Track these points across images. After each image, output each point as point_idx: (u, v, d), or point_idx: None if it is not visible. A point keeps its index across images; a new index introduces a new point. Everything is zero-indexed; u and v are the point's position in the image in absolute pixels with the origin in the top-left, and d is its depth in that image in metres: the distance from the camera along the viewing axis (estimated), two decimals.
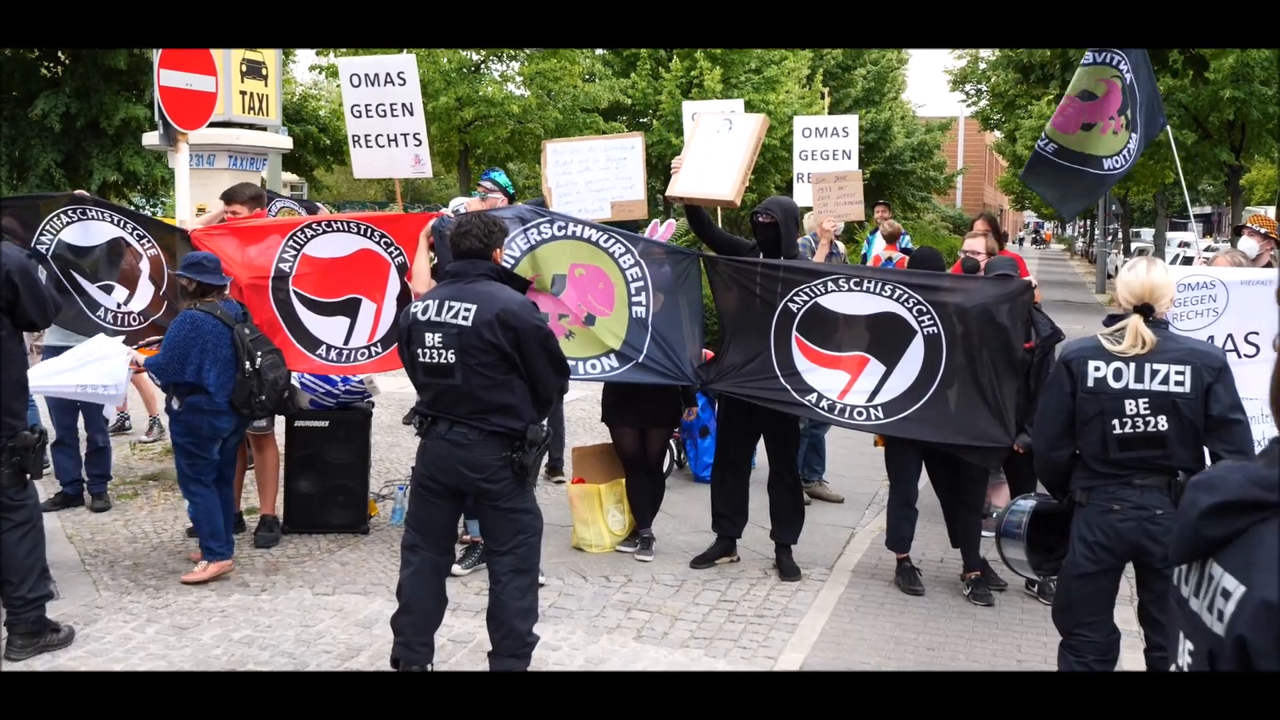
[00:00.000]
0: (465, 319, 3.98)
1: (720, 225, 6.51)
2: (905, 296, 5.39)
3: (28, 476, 4.46)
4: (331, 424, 6.27)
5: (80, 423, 6.70)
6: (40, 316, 4.51)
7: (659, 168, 19.26)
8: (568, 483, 6.64)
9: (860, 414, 5.51)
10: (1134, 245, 33.94)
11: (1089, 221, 49.70)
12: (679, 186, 5.66)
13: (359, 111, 6.24)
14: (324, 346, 5.98)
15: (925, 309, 5.36)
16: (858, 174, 7.96)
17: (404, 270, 5.91)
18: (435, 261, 5.71)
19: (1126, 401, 3.62)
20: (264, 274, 5.88)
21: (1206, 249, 20.00)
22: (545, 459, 7.17)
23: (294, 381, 6.26)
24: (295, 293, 5.93)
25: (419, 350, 4.07)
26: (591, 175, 6.33)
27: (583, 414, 9.52)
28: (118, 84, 16.44)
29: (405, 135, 6.20)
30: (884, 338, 5.47)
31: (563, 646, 4.77)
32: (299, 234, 5.91)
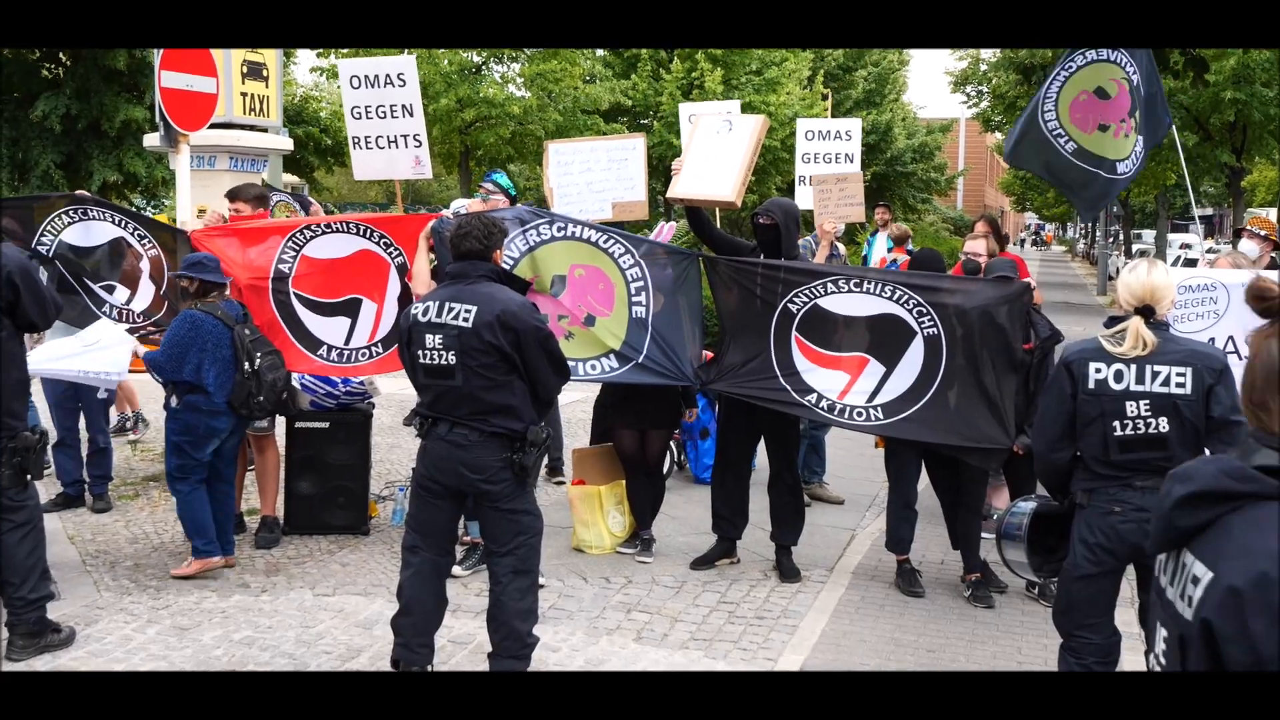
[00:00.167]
0: (466, 320, 3.99)
1: (720, 227, 6.51)
2: (905, 298, 5.39)
3: (28, 477, 4.47)
4: (332, 425, 6.27)
5: (81, 423, 6.71)
6: (41, 317, 4.51)
7: (659, 169, 19.26)
8: (568, 484, 6.64)
9: (860, 414, 5.51)
10: (1135, 247, 33.91)
11: (1090, 223, 49.72)
12: (679, 188, 5.67)
13: (359, 113, 6.25)
14: (325, 347, 5.98)
15: (925, 310, 5.36)
16: (858, 175, 7.96)
17: (404, 271, 5.91)
18: (435, 263, 5.71)
19: (1127, 403, 3.62)
20: (263, 275, 5.89)
21: (1208, 251, 20.01)
22: (545, 460, 7.19)
23: (294, 383, 6.27)
24: (295, 294, 5.93)
25: (419, 352, 4.07)
26: (593, 176, 6.33)
27: (583, 415, 9.51)
28: (118, 85, 16.46)
29: (405, 137, 6.21)
30: (884, 338, 5.47)
31: (563, 648, 4.77)
32: (298, 235, 5.92)
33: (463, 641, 4.76)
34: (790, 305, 5.53)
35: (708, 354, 5.90)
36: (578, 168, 6.36)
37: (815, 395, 5.55)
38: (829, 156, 9.04)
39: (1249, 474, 1.49)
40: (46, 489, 6.62)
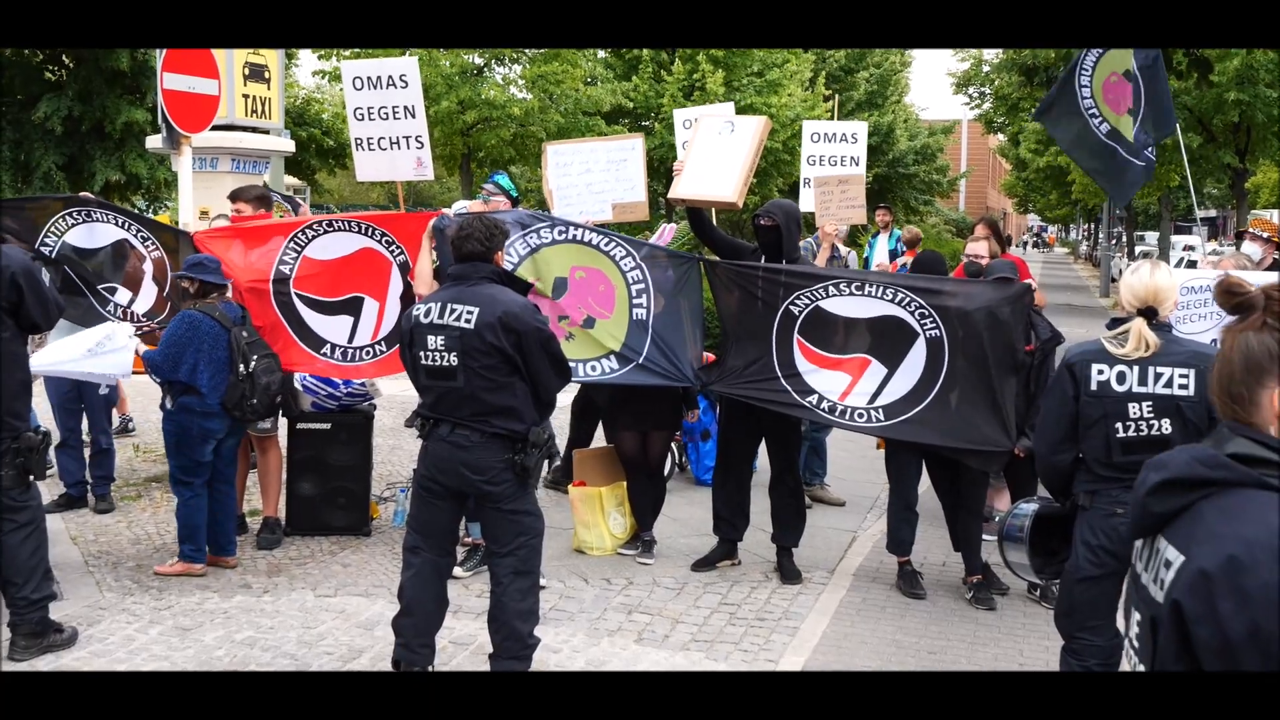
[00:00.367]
0: (467, 321, 3.99)
1: (721, 228, 6.51)
2: (907, 300, 5.38)
3: (31, 478, 4.48)
4: (333, 426, 6.28)
5: (84, 424, 6.72)
6: (44, 318, 4.53)
7: (660, 171, 19.26)
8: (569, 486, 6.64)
9: (861, 416, 5.51)
10: (1138, 249, 33.89)
11: (1093, 225, 49.68)
12: (681, 189, 5.67)
13: (361, 114, 6.25)
14: (328, 345, 5.98)
15: (927, 312, 5.36)
16: (860, 177, 7.96)
17: (406, 269, 5.91)
18: (436, 262, 5.72)
19: (1130, 405, 3.61)
20: (264, 276, 5.89)
21: (1211, 253, 19.98)
22: (548, 470, 7.19)
23: (296, 384, 6.27)
24: (297, 294, 5.93)
25: (421, 353, 4.08)
26: (592, 177, 6.33)
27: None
28: (120, 87, 16.49)
29: (407, 138, 6.22)
30: (886, 340, 5.46)
31: (563, 649, 4.77)
32: (300, 235, 5.92)
33: (464, 642, 4.77)
34: (792, 307, 5.53)
35: (709, 356, 5.90)
36: (577, 169, 6.36)
37: (816, 396, 5.55)
38: (834, 159, 9.03)
39: (1222, 461, 1.54)
40: (49, 490, 6.63)
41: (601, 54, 22.64)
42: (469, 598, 5.25)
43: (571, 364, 4.63)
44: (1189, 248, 28.75)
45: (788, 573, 5.77)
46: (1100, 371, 3.65)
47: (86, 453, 6.74)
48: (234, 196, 6.45)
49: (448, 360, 4.02)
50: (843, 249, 9.39)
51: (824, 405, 5.54)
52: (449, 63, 19.69)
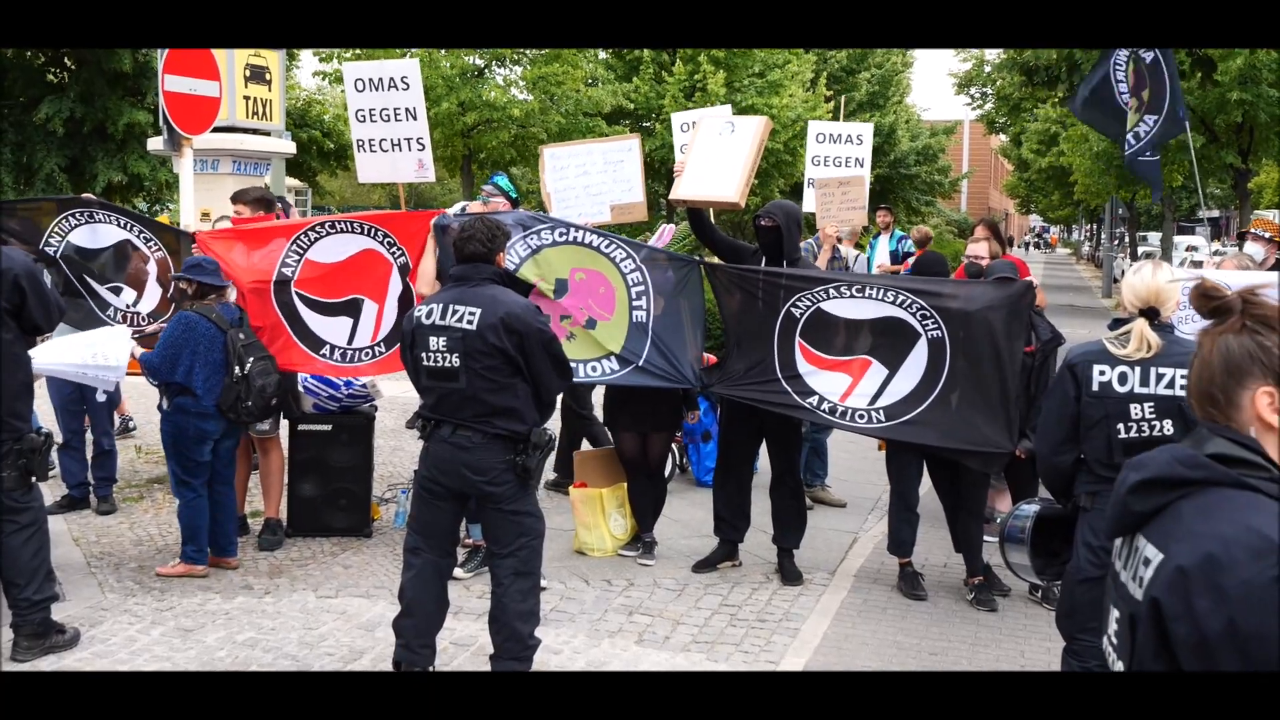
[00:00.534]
0: (470, 323, 4.00)
1: (722, 229, 6.51)
2: (909, 302, 5.38)
3: (33, 479, 4.48)
4: (334, 427, 6.28)
5: (86, 426, 6.73)
6: (45, 320, 4.54)
7: (662, 172, 19.26)
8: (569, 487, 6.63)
9: (862, 417, 5.51)
10: (1141, 249, 33.85)
11: (1095, 225, 49.64)
12: (682, 189, 5.67)
13: (363, 116, 6.26)
14: (328, 347, 5.98)
15: (929, 314, 5.35)
16: (861, 179, 7.97)
17: (406, 271, 5.91)
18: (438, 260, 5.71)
19: (1132, 405, 3.61)
20: (266, 278, 5.89)
21: (1214, 253, 19.95)
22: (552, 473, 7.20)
23: (299, 386, 6.27)
24: (298, 294, 5.94)
25: (423, 354, 4.08)
26: (590, 179, 6.33)
27: None
28: (122, 89, 16.51)
29: (409, 140, 6.22)
30: (887, 341, 5.46)
31: (564, 650, 4.77)
32: (302, 238, 5.92)
33: (464, 644, 4.77)
34: (793, 309, 5.53)
35: (710, 357, 5.89)
36: (574, 171, 6.37)
37: (817, 398, 5.55)
38: (839, 160, 9.03)
39: (1201, 461, 1.56)
40: (51, 491, 6.63)
41: (602, 55, 22.64)
42: (470, 599, 5.25)
43: (572, 364, 4.64)
44: (1192, 248, 28.72)
45: (789, 574, 5.76)
46: (1102, 372, 3.64)
47: (89, 454, 6.75)
48: (235, 198, 6.46)
49: (449, 361, 4.02)
50: (852, 251, 9.40)
51: (825, 406, 5.54)
52: (449, 64, 19.70)
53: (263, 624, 4.96)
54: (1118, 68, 7.96)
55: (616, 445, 6.16)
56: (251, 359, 5.41)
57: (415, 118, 6.19)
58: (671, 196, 5.89)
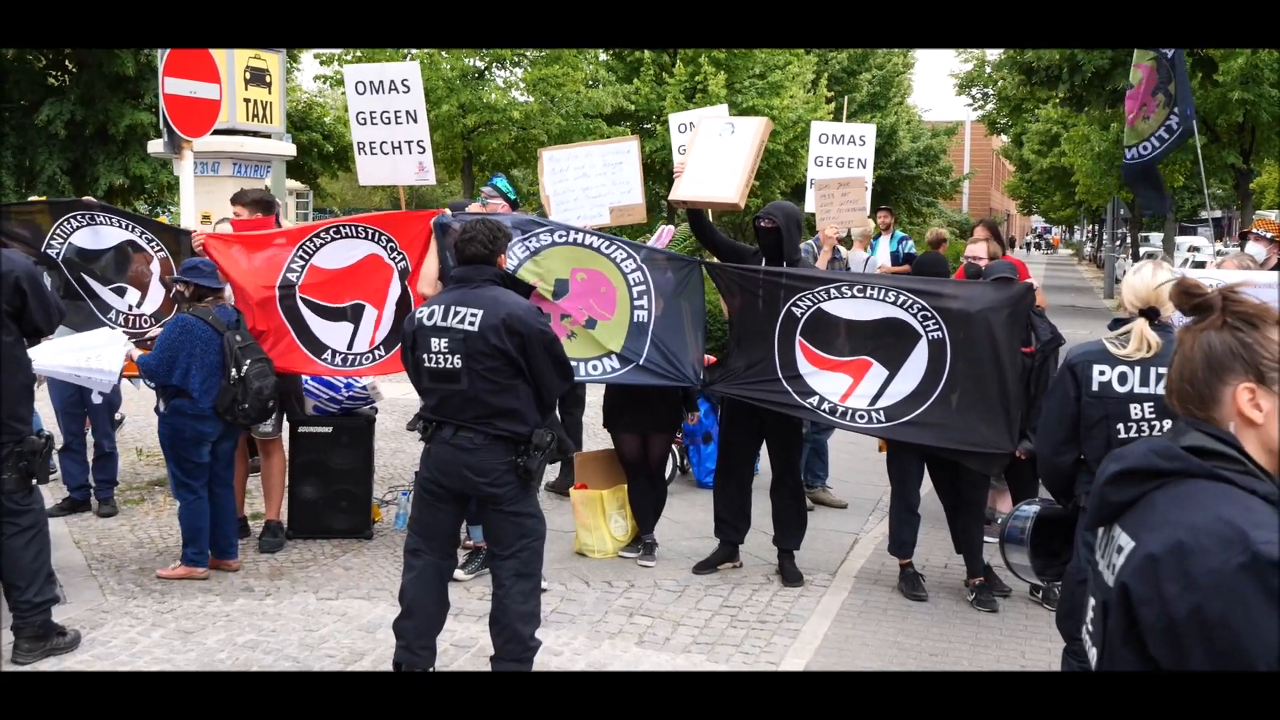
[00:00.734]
0: (471, 324, 4.00)
1: (722, 230, 6.51)
2: (909, 302, 5.37)
3: (33, 481, 4.48)
4: (335, 429, 6.28)
5: (87, 428, 6.73)
6: (46, 322, 4.54)
7: (663, 173, 19.24)
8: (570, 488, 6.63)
9: (862, 417, 5.50)
10: (1143, 250, 33.82)
11: (1097, 226, 49.60)
12: (682, 190, 5.67)
13: (364, 118, 6.26)
14: (329, 351, 5.99)
15: (930, 314, 5.35)
16: (861, 180, 7.96)
17: (405, 275, 5.91)
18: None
19: (1131, 406, 3.61)
20: (270, 282, 5.89)
21: (1216, 253, 19.93)
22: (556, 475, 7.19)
23: (301, 388, 6.27)
24: (304, 300, 5.94)
25: (424, 355, 4.08)
26: (589, 181, 6.34)
27: (587, 420, 9.50)
28: (123, 91, 16.53)
29: (409, 143, 6.22)
30: (888, 342, 5.45)
31: (564, 652, 4.77)
32: (308, 243, 5.92)
33: (465, 645, 4.77)
34: (794, 309, 5.52)
35: (710, 358, 5.89)
36: (573, 174, 6.37)
37: (817, 398, 5.54)
38: (842, 161, 9.02)
39: (1176, 453, 1.60)
40: (52, 493, 6.64)
41: (603, 56, 22.63)
42: (470, 600, 5.25)
43: (573, 363, 4.64)
44: (1194, 248, 28.69)
45: (789, 575, 5.76)
46: (1102, 372, 3.64)
47: (90, 456, 6.75)
48: (234, 200, 6.47)
49: (451, 363, 4.02)
50: (861, 254, 9.39)
51: (825, 407, 5.54)
52: (450, 66, 19.71)
53: (263, 626, 4.95)
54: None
55: (617, 447, 6.15)
56: (248, 361, 5.41)
57: (416, 120, 6.18)
58: (671, 197, 5.89)
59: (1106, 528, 1.70)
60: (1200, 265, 17.81)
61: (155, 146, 11.44)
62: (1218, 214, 37.97)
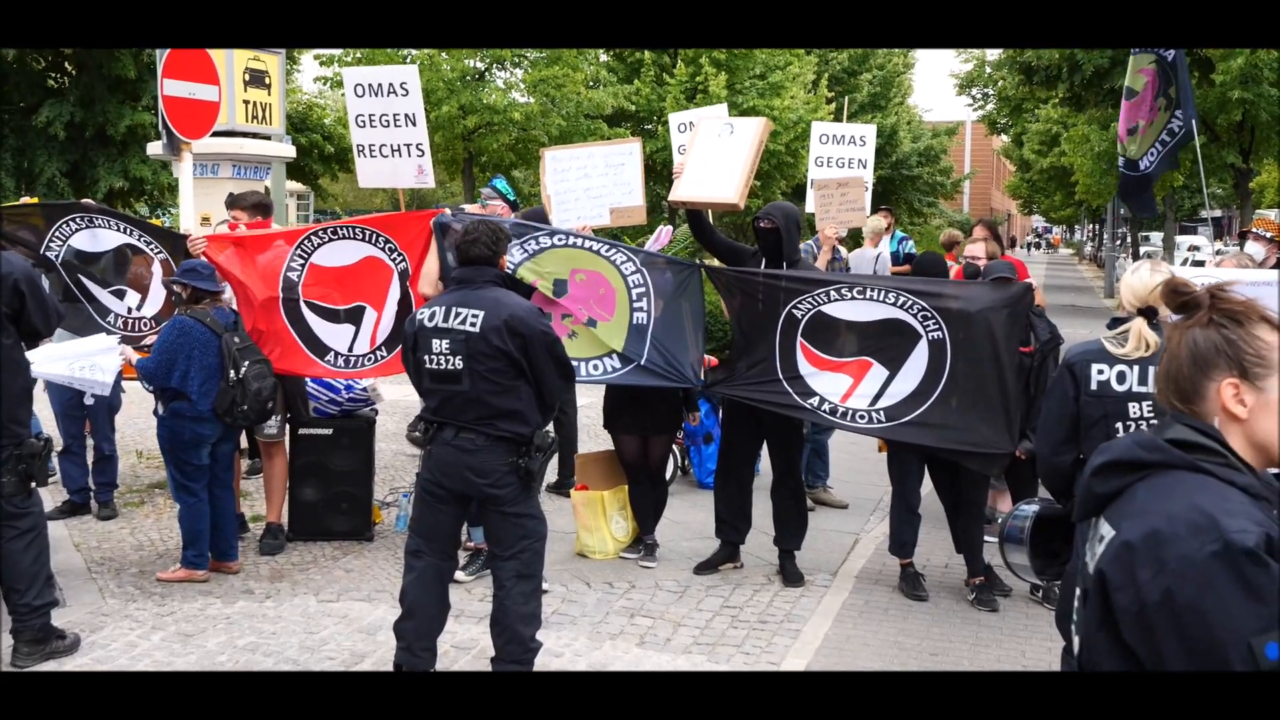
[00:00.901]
0: (473, 325, 4.00)
1: (723, 231, 6.51)
2: (909, 303, 5.37)
3: (33, 484, 4.48)
4: (335, 431, 6.28)
5: (87, 431, 6.73)
6: (44, 325, 4.54)
7: (664, 174, 19.23)
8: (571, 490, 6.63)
9: (863, 418, 5.50)
10: (1143, 249, 33.82)
11: (1097, 225, 49.58)
12: (681, 190, 5.67)
13: (363, 121, 6.26)
14: (331, 353, 5.99)
15: (930, 314, 5.35)
16: (860, 180, 7.95)
17: (406, 276, 5.91)
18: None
19: (1130, 404, 3.61)
20: (273, 284, 5.90)
21: (1216, 252, 19.90)
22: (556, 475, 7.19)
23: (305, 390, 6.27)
24: (305, 301, 5.94)
25: (425, 356, 4.08)
26: (590, 182, 6.33)
27: (587, 421, 9.50)
28: (122, 93, 16.54)
29: (408, 145, 6.21)
30: (888, 342, 5.45)
31: (565, 653, 4.76)
32: (306, 243, 5.93)
33: (466, 647, 4.76)
34: (795, 311, 5.52)
35: (711, 360, 5.89)
36: (575, 174, 6.37)
37: (818, 399, 5.54)
38: (842, 161, 9.01)
39: (1159, 445, 1.65)
40: (52, 496, 6.64)
41: (603, 57, 22.62)
42: (471, 602, 5.25)
43: (575, 363, 4.64)
44: (1194, 248, 28.70)
45: (790, 575, 5.75)
46: (1100, 371, 3.64)
47: (90, 459, 6.75)
48: (231, 204, 6.46)
49: (453, 364, 4.02)
50: (871, 251, 9.38)
51: (825, 407, 5.53)
52: (450, 67, 19.70)
53: (263, 628, 4.95)
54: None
55: (617, 448, 6.15)
56: (247, 362, 5.41)
57: (415, 123, 6.18)
58: (671, 198, 5.89)
59: (1094, 520, 1.74)
60: (1200, 264, 17.81)
61: (155, 148, 11.44)
62: (1217, 213, 37.97)
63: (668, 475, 6.56)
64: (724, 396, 5.92)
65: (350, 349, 6.00)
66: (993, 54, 25.59)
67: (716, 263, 6.11)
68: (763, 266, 5.70)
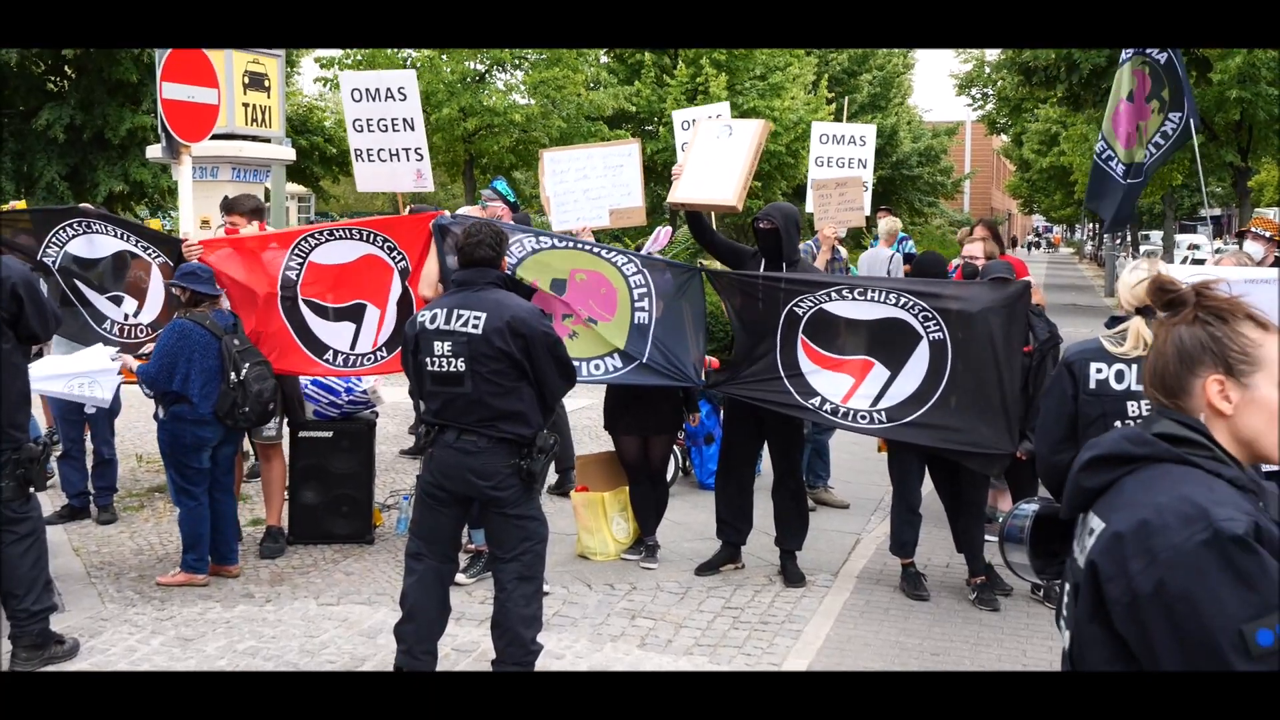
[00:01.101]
0: (475, 327, 4.00)
1: (723, 232, 6.51)
2: (910, 304, 5.37)
3: (31, 489, 4.48)
4: (335, 434, 6.27)
5: (86, 435, 6.73)
6: (42, 329, 4.53)
7: (665, 175, 19.22)
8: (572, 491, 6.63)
9: (864, 418, 5.50)
10: (1143, 248, 33.81)
11: (1097, 224, 49.58)
12: (680, 192, 5.67)
13: (361, 126, 6.26)
14: (330, 352, 5.99)
15: (931, 315, 5.35)
16: (858, 180, 7.95)
17: (406, 275, 5.91)
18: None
19: (1129, 403, 3.60)
20: (273, 281, 5.90)
21: (1216, 251, 19.88)
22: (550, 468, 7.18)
23: (301, 391, 6.27)
24: (304, 300, 5.94)
25: (427, 359, 4.08)
26: (589, 184, 6.33)
27: (588, 422, 9.51)
28: (122, 96, 16.55)
29: (407, 150, 6.21)
30: (889, 342, 5.45)
31: (566, 655, 4.76)
32: (304, 242, 5.93)
33: (467, 649, 4.76)
34: (796, 310, 5.52)
35: (713, 361, 5.89)
36: (573, 176, 6.36)
37: (819, 399, 5.54)
38: (842, 161, 9.01)
39: (1146, 439, 1.68)
40: (52, 500, 6.64)
41: (604, 59, 22.63)
42: (472, 604, 5.24)
43: (575, 363, 4.64)
44: (1194, 246, 28.70)
45: (791, 576, 5.75)
46: (1099, 370, 3.64)
47: (89, 463, 6.74)
48: (228, 208, 6.46)
49: (455, 366, 4.02)
50: (885, 251, 9.37)
51: (827, 407, 5.53)
52: (450, 70, 19.71)
53: (264, 632, 4.95)
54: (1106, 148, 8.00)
55: (618, 449, 6.14)
56: (247, 364, 5.41)
57: (413, 128, 6.18)
58: (669, 199, 5.89)
59: (1082, 515, 1.76)
60: (1200, 263, 17.80)
61: (154, 151, 11.44)
62: (1216, 212, 37.96)
63: (669, 476, 6.56)
64: (725, 396, 5.91)
65: (352, 347, 5.99)
66: (992, 54, 25.60)
67: (717, 264, 6.10)
68: (762, 267, 5.69)
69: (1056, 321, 5.94)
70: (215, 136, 7.86)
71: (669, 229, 7.45)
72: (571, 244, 5.74)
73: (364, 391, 6.45)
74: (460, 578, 5.27)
